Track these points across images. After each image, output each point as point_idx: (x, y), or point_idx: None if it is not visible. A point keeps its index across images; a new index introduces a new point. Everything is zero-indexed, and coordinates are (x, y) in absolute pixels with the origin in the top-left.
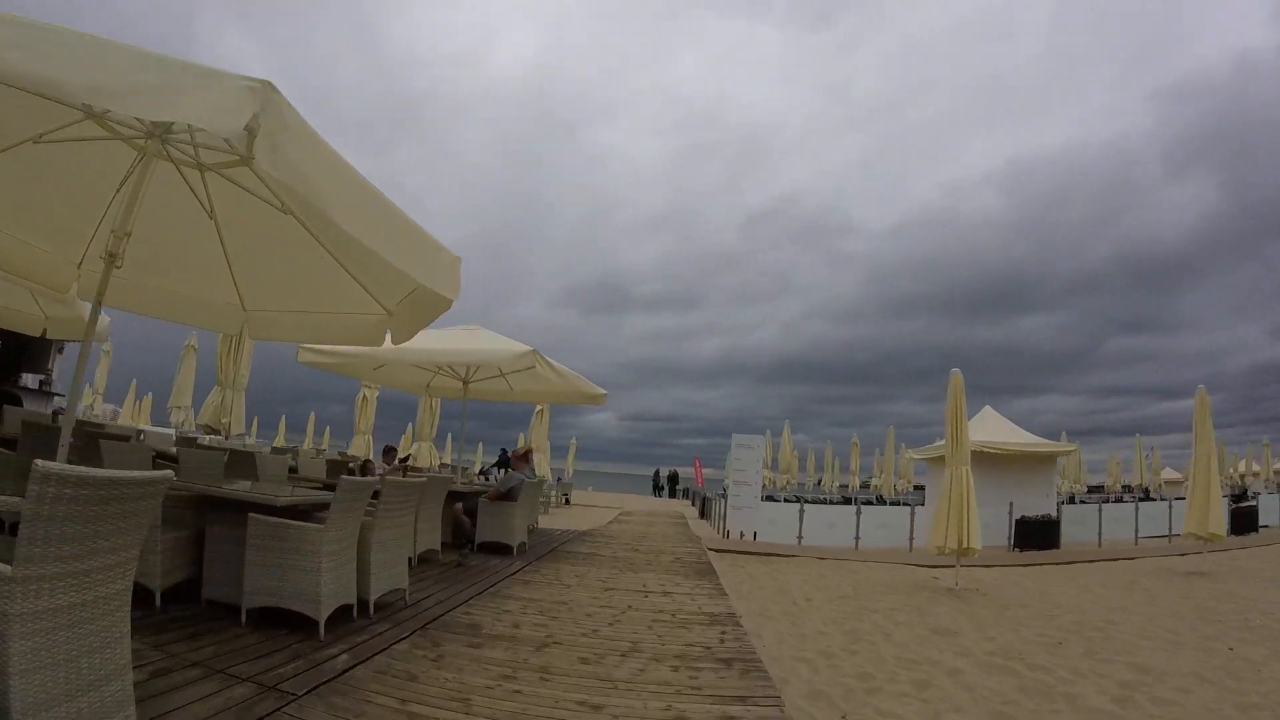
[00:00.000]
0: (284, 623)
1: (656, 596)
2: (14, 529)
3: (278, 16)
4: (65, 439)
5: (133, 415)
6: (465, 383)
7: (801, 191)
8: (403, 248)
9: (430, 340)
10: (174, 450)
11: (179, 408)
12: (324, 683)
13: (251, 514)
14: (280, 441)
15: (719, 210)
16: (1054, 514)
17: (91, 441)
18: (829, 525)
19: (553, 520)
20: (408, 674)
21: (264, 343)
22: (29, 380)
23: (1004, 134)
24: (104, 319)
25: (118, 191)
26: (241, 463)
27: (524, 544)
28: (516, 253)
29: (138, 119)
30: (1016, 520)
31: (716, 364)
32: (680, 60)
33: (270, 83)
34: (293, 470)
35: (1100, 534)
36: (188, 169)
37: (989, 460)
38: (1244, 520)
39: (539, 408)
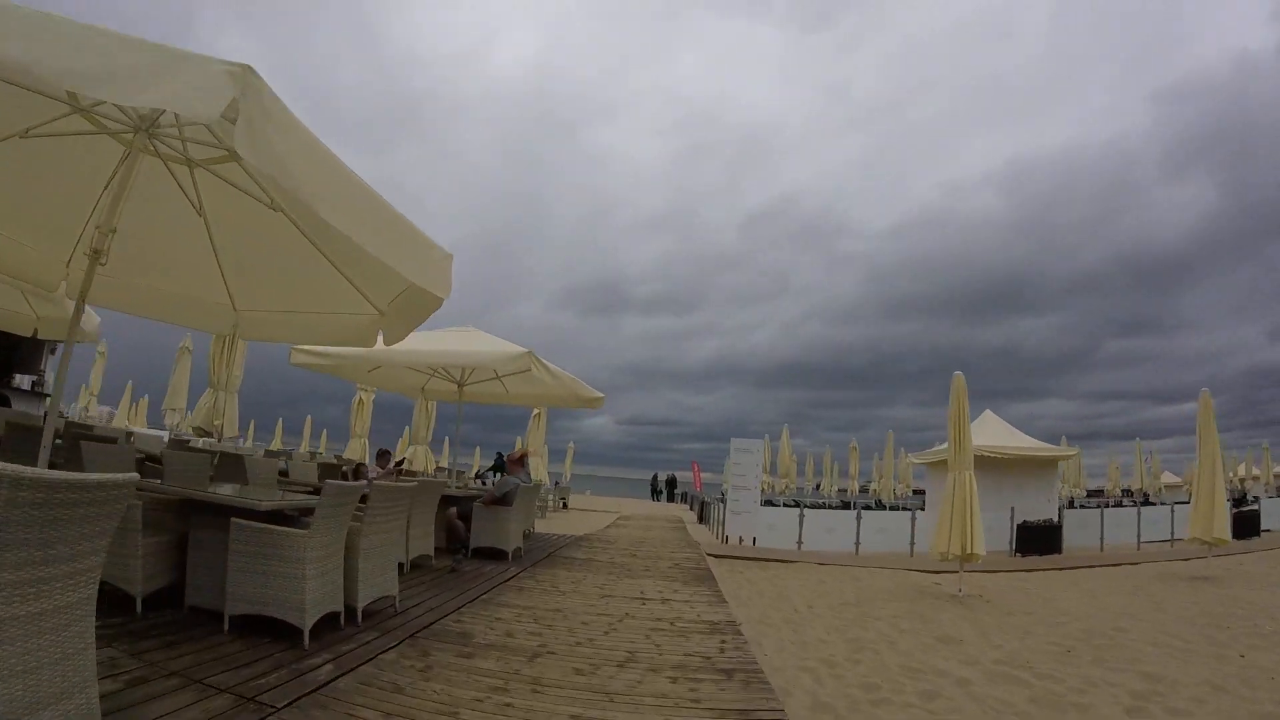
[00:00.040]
0: (268, 631)
1: (654, 603)
2: None
3: (278, 16)
4: (47, 441)
5: (129, 417)
6: (460, 385)
7: (801, 192)
8: (391, 242)
9: (424, 342)
10: (160, 453)
11: (173, 410)
12: (306, 694)
13: (234, 519)
14: (277, 444)
15: (718, 210)
16: (1055, 518)
17: (78, 444)
18: (828, 530)
19: (550, 525)
20: (394, 685)
21: (260, 345)
22: (21, 381)
23: (1004, 134)
24: (95, 319)
25: (106, 188)
26: (231, 466)
27: (519, 549)
28: (515, 253)
29: (124, 113)
30: (1018, 525)
31: (714, 366)
32: (680, 60)
33: (250, 67)
34: (284, 474)
35: (1102, 539)
36: (176, 165)
37: (990, 464)
38: (1246, 524)
39: (536, 411)
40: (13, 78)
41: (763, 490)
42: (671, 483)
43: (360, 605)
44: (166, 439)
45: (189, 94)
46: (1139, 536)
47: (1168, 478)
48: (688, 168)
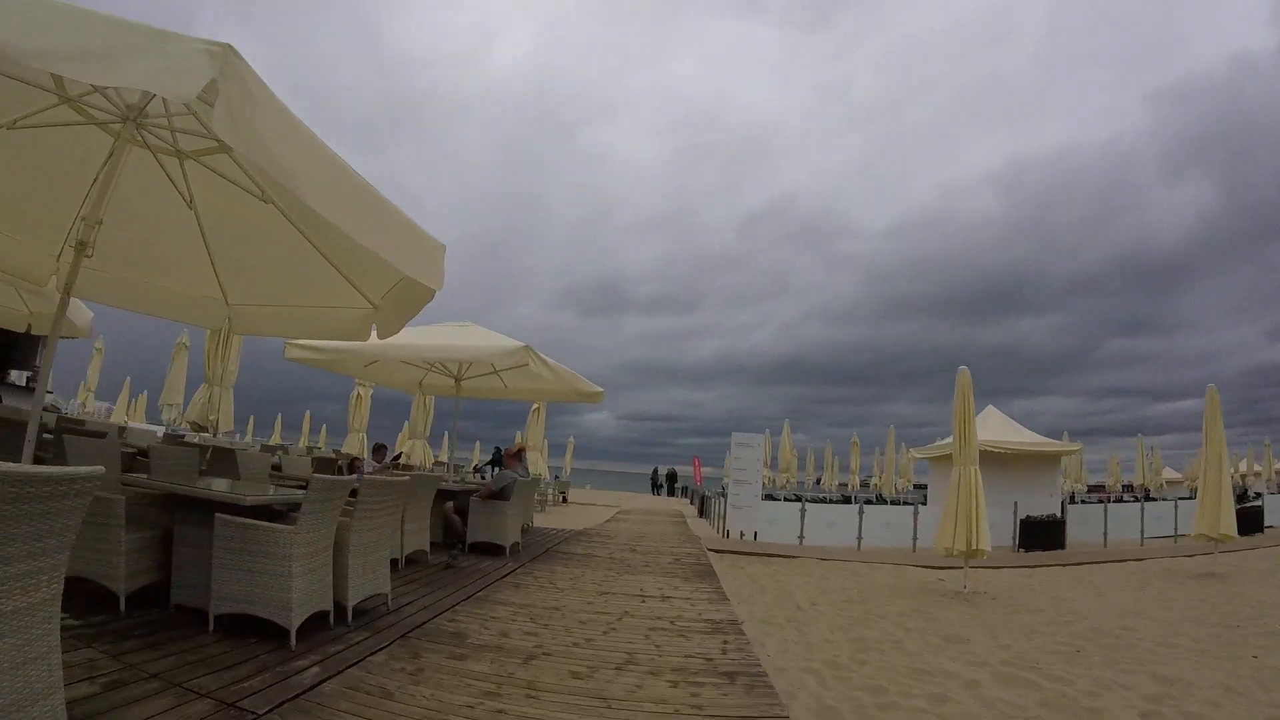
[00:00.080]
0: (254, 631)
1: (654, 601)
2: None
3: (278, 16)
4: (31, 435)
5: (128, 413)
6: (458, 380)
7: (800, 192)
8: (381, 231)
9: (420, 336)
10: (146, 447)
11: (170, 405)
12: (289, 699)
13: (218, 514)
14: (276, 440)
15: (718, 210)
16: (1059, 514)
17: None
18: (830, 525)
19: (549, 519)
20: (382, 690)
21: (258, 342)
22: (16, 377)
23: (1003, 134)
24: (87, 314)
25: (95, 180)
26: (223, 460)
27: (517, 544)
28: (515, 253)
29: (112, 103)
30: (1021, 520)
31: (714, 365)
32: (680, 60)
33: (231, 46)
34: (277, 469)
35: (1106, 534)
36: (166, 157)
37: (993, 460)
38: (1250, 521)
39: (535, 406)
40: None
41: (764, 485)
42: (672, 477)
43: (350, 604)
44: (161, 434)
45: (165, 73)
46: (1142, 532)
47: (1168, 473)
48: (687, 168)
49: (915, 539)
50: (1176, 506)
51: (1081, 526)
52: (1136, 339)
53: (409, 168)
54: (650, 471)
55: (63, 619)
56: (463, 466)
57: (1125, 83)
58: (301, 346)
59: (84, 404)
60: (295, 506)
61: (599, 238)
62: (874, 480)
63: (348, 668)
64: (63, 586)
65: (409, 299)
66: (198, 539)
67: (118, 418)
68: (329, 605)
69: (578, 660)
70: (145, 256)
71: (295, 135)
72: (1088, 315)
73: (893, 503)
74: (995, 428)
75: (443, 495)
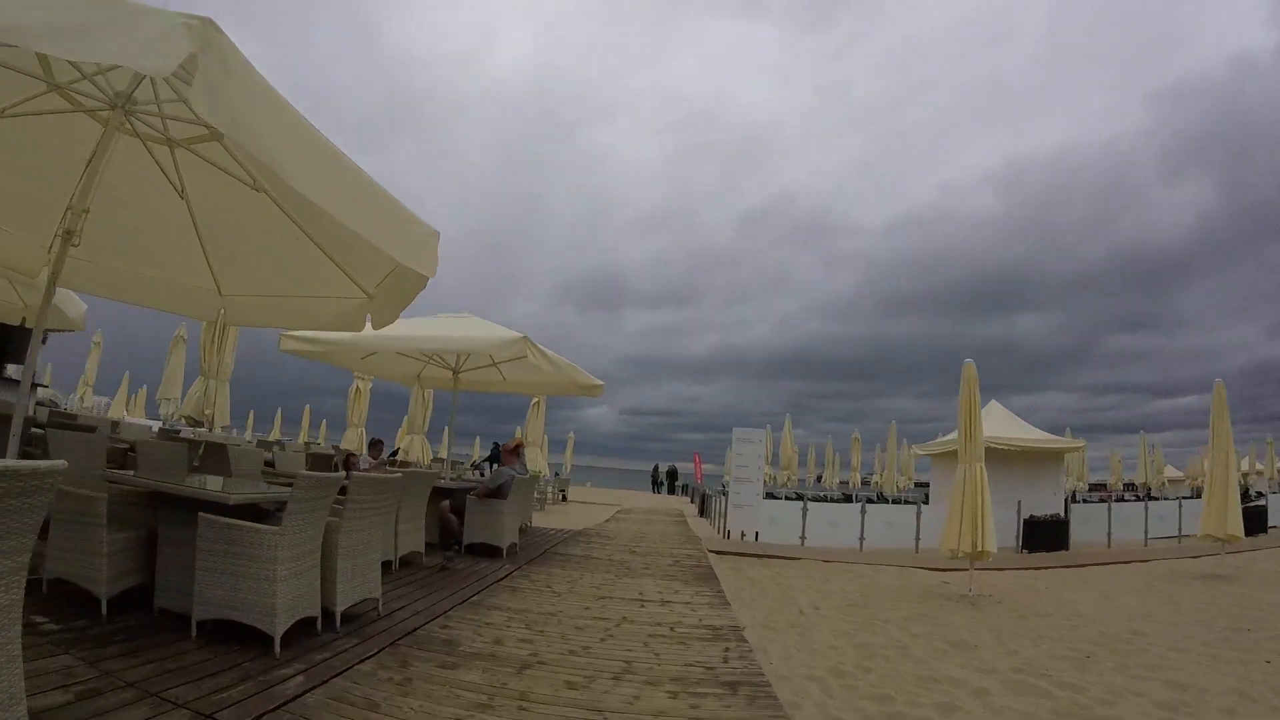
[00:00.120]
0: (238, 637)
1: (654, 606)
2: None
3: (278, 16)
4: (16, 429)
5: (127, 408)
6: (455, 373)
7: (800, 191)
8: (372, 214)
9: (417, 328)
10: (133, 442)
11: (168, 399)
12: (269, 711)
13: (201, 513)
14: (276, 435)
15: (717, 210)
16: (1062, 513)
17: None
18: (832, 524)
19: (548, 518)
20: (367, 702)
21: (258, 335)
22: (14, 372)
23: (1002, 134)
24: (81, 306)
25: (86, 170)
26: (215, 456)
27: (515, 545)
28: (515, 252)
29: (100, 90)
30: (1025, 520)
31: (713, 360)
32: (679, 60)
33: (211, 20)
34: (270, 465)
35: (1110, 534)
36: (157, 146)
37: (996, 457)
38: (1254, 520)
39: (535, 400)
40: None
41: (765, 482)
42: (672, 474)
43: (339, 609)
44: (156, 429)
45: (142, 48)
46: (1146, 532)
47: (1170, 471)
48: (687, 167)
49: (918, 539)
50: (1181, 506)
51: (1083, 526)
52: (1136, 336)
53: (409, 168)
54: (651, 469)
55: (42, 623)
56: (461, 463)
57: (1125, 83)
58: (297, 338)
59: (82, 399)
60: (283, 506)
61: (599, 237)
62: (875, 478)
63: (333, 677)
64: (23, 592)
65: (403, 287)
66: (183, 540)
67: (116, 412)
68: (316, 611)
69: (573, 669)
70: (137, 247)
71: (280, 115)
72: (1088, 313)
73: (894, 501)
74: (999, 423)
75: (439, 493)
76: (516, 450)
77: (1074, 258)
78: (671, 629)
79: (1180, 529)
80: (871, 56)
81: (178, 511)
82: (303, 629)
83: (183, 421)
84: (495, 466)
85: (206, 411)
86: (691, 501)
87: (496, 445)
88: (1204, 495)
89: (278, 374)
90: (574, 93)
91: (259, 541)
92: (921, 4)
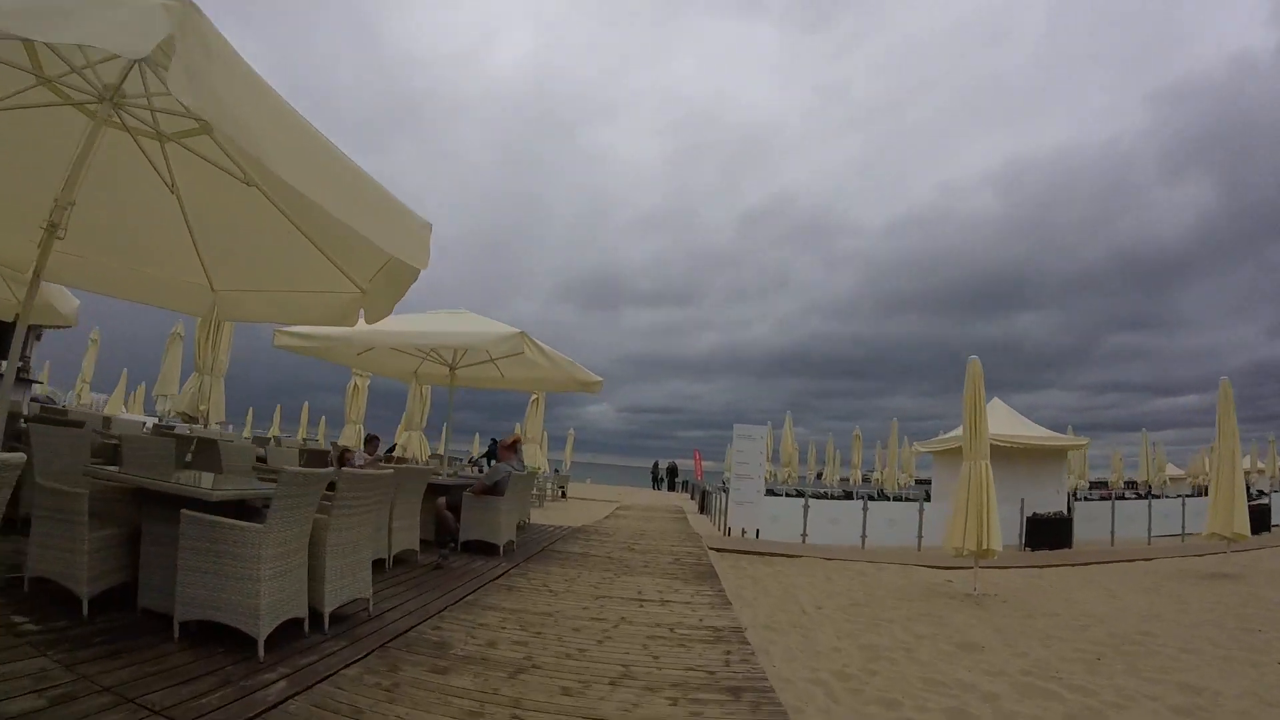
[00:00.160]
0: (222, 639)
1: (653, 606)
2: None
3: (278, 16)
4: None
5: (125, 404)
6: (452, 369)
7: (800, 191)
8: (362, 205)
9: (413, 323)
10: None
11: (165, 396)
12: (247, 719)
13: (184, 510)
14: (275, 431)
15: (717, 210)
16: (1065, 511)
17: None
18: (833, 521)
19: (547, 515)
20: (352, 709)
21: (255, 331)
22: (2, 367)
23: (1003, 134)
24: (73, 301)
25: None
26: (206, 452)
27: (512, 543)
28: (515, 252)
29: (89, 83)
30: (1028, 518)
31: (713, 359)
32: (679, 60)
33: (193, 2)
34: (262, 460)
35: (1113, 532)
36: (147, 140)
37: (999, 454)
38: (1257, 519)
39: (534, 397)
40: None
41: (765, 479)
42: (672, 471)
43: (327, 610)
44: (149, 425)
45: (117, 29)
46: (1149, 530)
47: (1171, 470)
48: (687, 167)
49: (921, 537)
50: (1184, 504)
51: (1086, 524)
52: (1137, 335)
53: (409, 167)
54: (651, 466)
55: (21, 624)
56: (459, 459)
57: (1125, 83)
58: (291, 334)
59: (79, 396)
60: (269, 502)
61: (598, 237)
62: (876, 475)
63: (317, 683)
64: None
65: (396, 281)
66: (166, 538)
67: (113, 409)
68: (303, 612)
69: (569, 674)
70: (128, 242)
71: (264, 100)
72: (1088, 312)
73: (896, 498)
74: (1002, 421)
75: (435, 490)
76: (514, 446)
77: (1074, 258)
78: (671, 630)
79: (1183, 527)
80: (871, 56)
81: (161, 508)
82: (289, 630)
83: (178, 417)
84: (492, 463)
85: (201, 408)
86: (692, 498)
87: (494, 441)
88: (1210, 493)
89: (275, 371)
90: (574, 93)
91: (242, 539)
92: (921, 4)
